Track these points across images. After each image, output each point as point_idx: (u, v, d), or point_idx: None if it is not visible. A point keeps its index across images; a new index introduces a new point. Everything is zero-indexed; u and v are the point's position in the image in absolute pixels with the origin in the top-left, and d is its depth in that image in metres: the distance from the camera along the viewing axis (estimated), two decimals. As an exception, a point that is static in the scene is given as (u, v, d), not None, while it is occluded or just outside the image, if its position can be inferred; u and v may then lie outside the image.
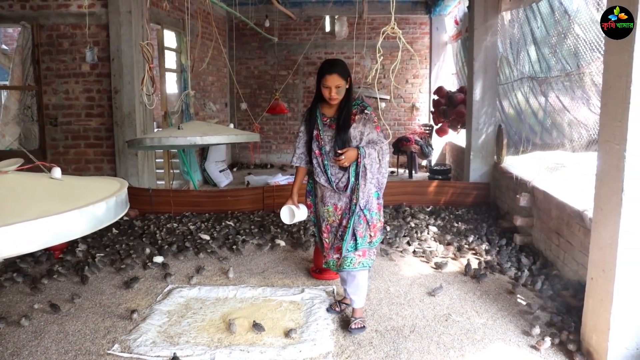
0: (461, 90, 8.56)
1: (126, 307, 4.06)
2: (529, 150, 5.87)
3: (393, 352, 3.36)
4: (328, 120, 3.57)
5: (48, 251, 5.18)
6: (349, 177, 3.52)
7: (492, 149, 7.05)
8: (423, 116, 11.58)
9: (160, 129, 8.36)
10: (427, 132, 10.62)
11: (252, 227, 6.16)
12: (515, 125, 6.41)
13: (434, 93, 9.50)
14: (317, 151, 3.60)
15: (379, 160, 3.54)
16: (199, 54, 8.75)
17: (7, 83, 7.62)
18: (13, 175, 1.94)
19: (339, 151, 3.45)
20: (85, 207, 1.71)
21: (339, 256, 3.65)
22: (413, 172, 9.95)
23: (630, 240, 2.93)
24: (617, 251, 2.95)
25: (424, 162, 10.94)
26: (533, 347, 3.41)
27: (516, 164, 6.44)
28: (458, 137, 9.41)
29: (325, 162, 3.56)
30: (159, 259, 5.00)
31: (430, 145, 10.30)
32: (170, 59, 8.56)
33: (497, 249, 5.25)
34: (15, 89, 7.30)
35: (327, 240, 3.72)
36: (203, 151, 9.65)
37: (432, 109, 9.71)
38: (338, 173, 3.57)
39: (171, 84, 8.76)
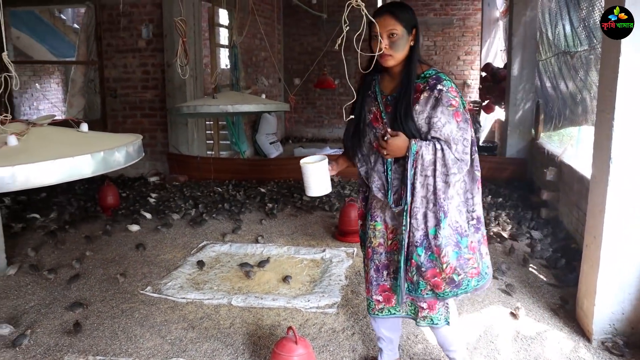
0: (506, 66, 8.56)
1: (163, 257, 4.53)
2: (562, 126, 5.93)
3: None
4: (385, 100, 2.39)
5: (102, 209, 5.77)
6: (406, 187, 2.31)
7: (530, 124, 7.09)
8: (474, 94, 11.56)
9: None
10: (476, 109, 10.62)
11: (291, 194, 6.54)
12: (552, 100, 6.45)
13: (482, 70, 9.52)
14: (374, 142, 2.39)
15: (440, 173, 2.25)
16: (251, 30, 9.12)
17: (74, 58, 8.30)
18: (47, 127, 2.35)
19: (389, 132, 2.26)
20: (97, 153, 2.10)
21: (390, 299, 2.52)
22: (460, 148, 10.00)
23: (617, 207, 3.05)
24: (605, 218, 3.09)
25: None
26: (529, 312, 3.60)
27: (551, 140, 6.50)
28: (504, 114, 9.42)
29: (388, 160, 2.38)
30: (195, 216, 5.47)
31: (479, 122, 10.30)
32: (223, 35, 8.99)
33: (521, 221, 5.38)
34: (81, 64, 7.95)
35: (369, 270, 2.54)
36: (254, 124, 10.09)
37: (480, 86, 9.73)
38: (395, 179, 2.39)
39: (223, 59, 9.21)
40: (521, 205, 5.93)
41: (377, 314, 2.57)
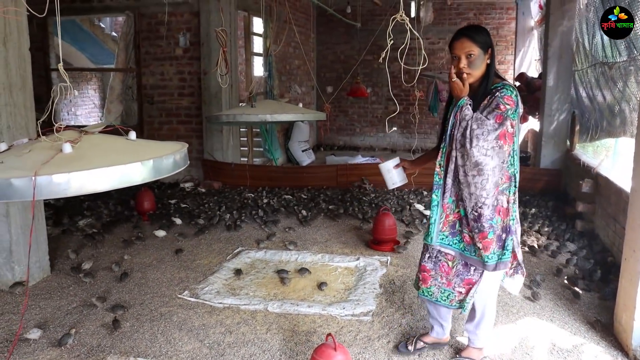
0: (541, 76, 8.48)
1: (199, 263, 4.62)
2: (598, 137, 5.86)
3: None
4: None
5: (139, 214, 5.90)
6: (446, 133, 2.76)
7: (565, 135, 7.02)
8: (507, 103, 11.48)
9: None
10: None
11: (324, 201, 6.59)
12: (588, 111, 6.37)
13: (516, 79, 9.43)
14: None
15: (469, 136, 2.56)
16: (285, 38, 9.23)
17: (113, 66, 8.52)
18: (98, 135, 2.44)
19: (466, 71, 2.63)
20: (147, 161, 2.17)
21: (426, 280, 3.00)
22: (492, 158, 9.93)
23: (658, 220, 3.03)
24: (645, 231, 3.07)
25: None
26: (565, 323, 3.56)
27: (586, 151, 6.43)
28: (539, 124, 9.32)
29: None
30: (230, 223, 5.55)
31: (512, 132, 10.21)
32: (258, 44, 9.13)
33: (556, 233, 5.33)
34: (119, 71, 8.15)
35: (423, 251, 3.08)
36: (287, 131, 10.18)
37: (514, 95, 9.65)
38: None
39: (258, 67, 9.34)
40: (555, 216, 5.87)
41: (417, 291, 3.03)
